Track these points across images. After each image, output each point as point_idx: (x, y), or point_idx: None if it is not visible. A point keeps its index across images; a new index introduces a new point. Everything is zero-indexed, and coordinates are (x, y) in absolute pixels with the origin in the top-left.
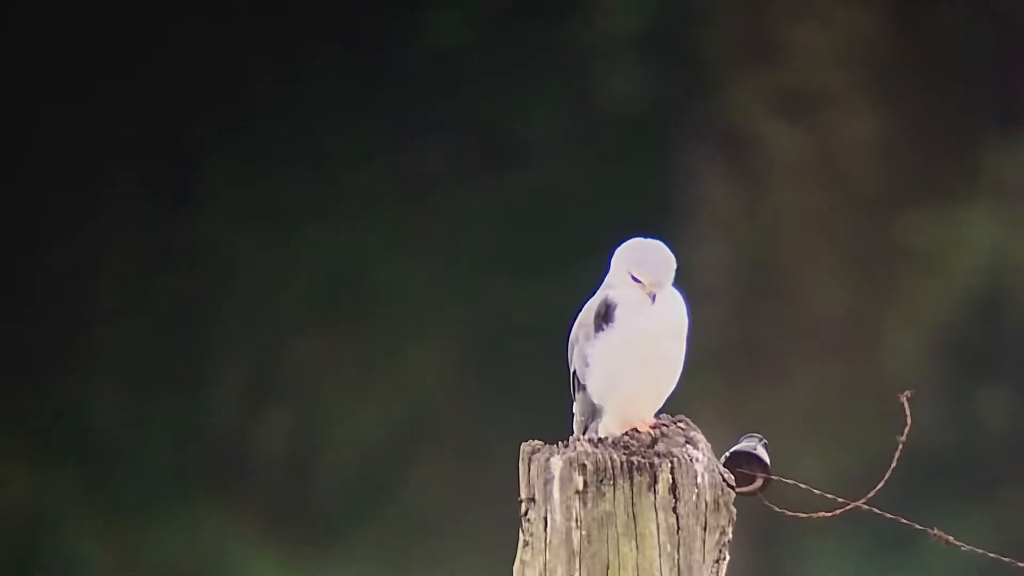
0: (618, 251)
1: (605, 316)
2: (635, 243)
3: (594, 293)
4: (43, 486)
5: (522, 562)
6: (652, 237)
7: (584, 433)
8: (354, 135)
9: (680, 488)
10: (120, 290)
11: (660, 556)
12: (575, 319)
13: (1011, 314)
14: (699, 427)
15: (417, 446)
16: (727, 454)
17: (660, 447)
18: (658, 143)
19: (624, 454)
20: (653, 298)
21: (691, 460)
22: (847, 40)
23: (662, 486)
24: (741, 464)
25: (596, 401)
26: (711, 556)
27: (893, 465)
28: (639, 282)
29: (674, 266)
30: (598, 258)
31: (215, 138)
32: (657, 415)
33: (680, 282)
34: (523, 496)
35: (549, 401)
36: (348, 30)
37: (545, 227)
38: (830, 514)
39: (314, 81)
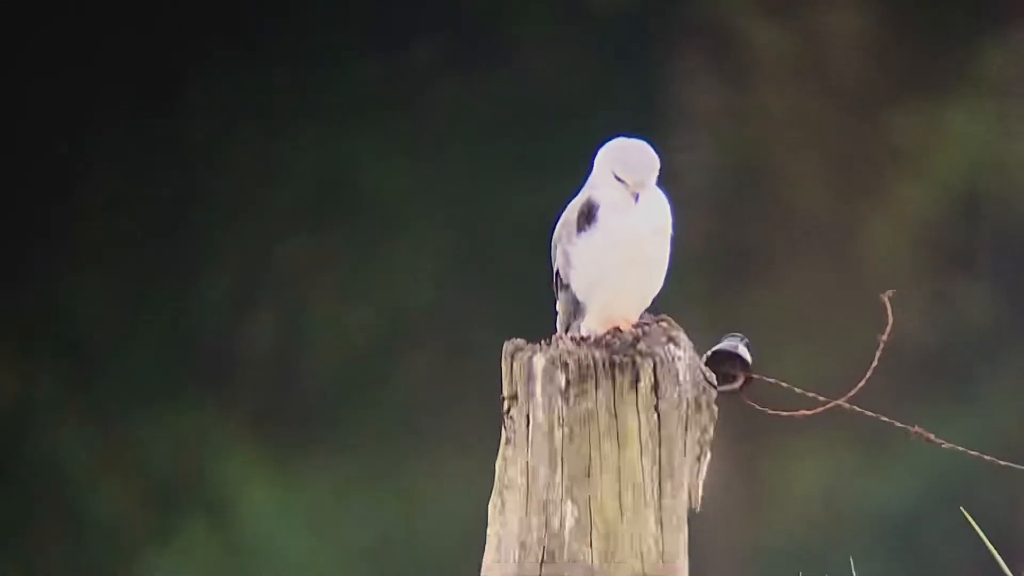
0: (601, 151)
1: (588, 216)
2: (618, 143)
3: (577, 192)
4: (27, 384)
5: (504, 459)
6: (637, 137)
7: (567, 332)
8: (345, 36)
9: (662, 387)
10: (107, 189)
11: (642, 454)
12: (558, 218)
13: (996, 212)
14: (682, 327)
15: (403, 346)
16: (709, 353)
17: (642, 346)
18: (644, 42)
19: (606, 353)
20: (636, 198)
21: (673, 359)
22: None
23: (644, 385)
24: (723, 363)
25: (580, 299)
26: (692, 454)
27: (874, 364)
28: (622, 182)
29: (658, 166)
30: (585, 158)
31: (200, 37)
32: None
33: (664, 183)
34: (505, 394)
35: (535, 300)
36: None
37: (533, 127)
38: (811, 412)
39: None
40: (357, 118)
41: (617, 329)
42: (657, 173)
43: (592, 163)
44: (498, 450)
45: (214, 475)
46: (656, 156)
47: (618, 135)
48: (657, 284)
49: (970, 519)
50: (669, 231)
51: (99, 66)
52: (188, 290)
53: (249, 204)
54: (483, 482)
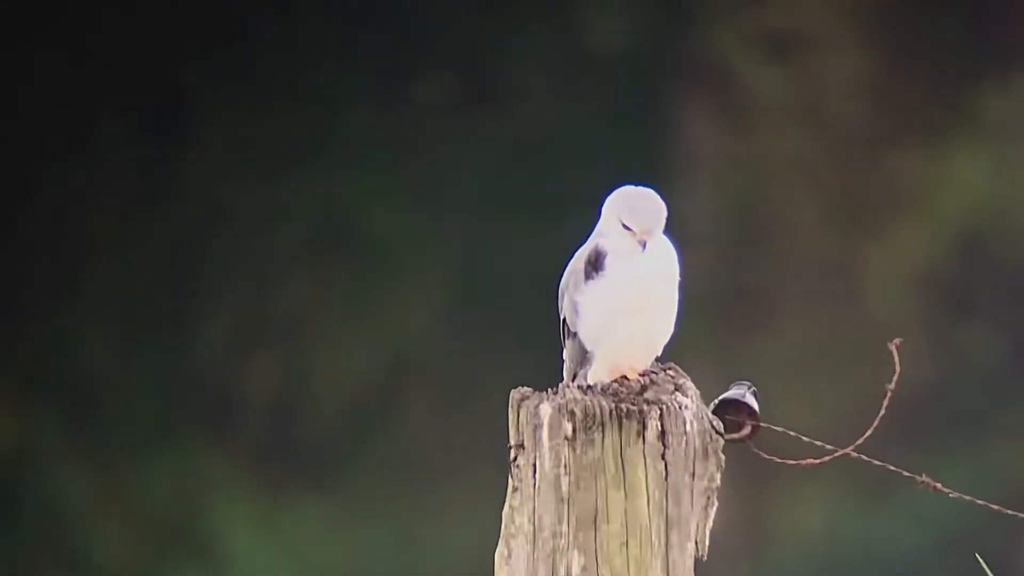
0: (609, 199)
1: (596, 264)
2: (626, 191)
3: (584, 241)
4: (29, 427)
5: (511, 508)
6: (642, 183)
7: (573, 380)
8: (344, 77)
9: (669, 435)
10: (109, 230)
11: (648, 503)
12: (565, 266)
13: (999, 254)
14: (688, 375)
15: (405, 391)
16: (716, 401)
17: (649, 394)
18: (647, 86)
19: (613, 401)
20: (644, 246)
21: (680, 407)
22: None
23: (651, 433)
24: (730, 411)
25: (588, 348)
26: (699, 503)
27: (881, 413)
28: (630, 230)
29: (665, 214)
30: (587, 202)
31: (206, 79)
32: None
33: (669, 229)
34: (512, 442)
35: (539, 347)
36: None
37: (534, 171)
38: (818, 461)
39: (304, 21)
40: (358, 162)
41: (624, 377)
42: (664, 221)
43: (599, 210)
44: (502, 496)
45: (213, 517)
46: (663, 204)
47: (624, 182)
48: (666, 332)
49: (985, 567)
50: (677, 278)
51: (98, 109)
52: (188, 333)
53: (249, 248)
54: (486, 528)
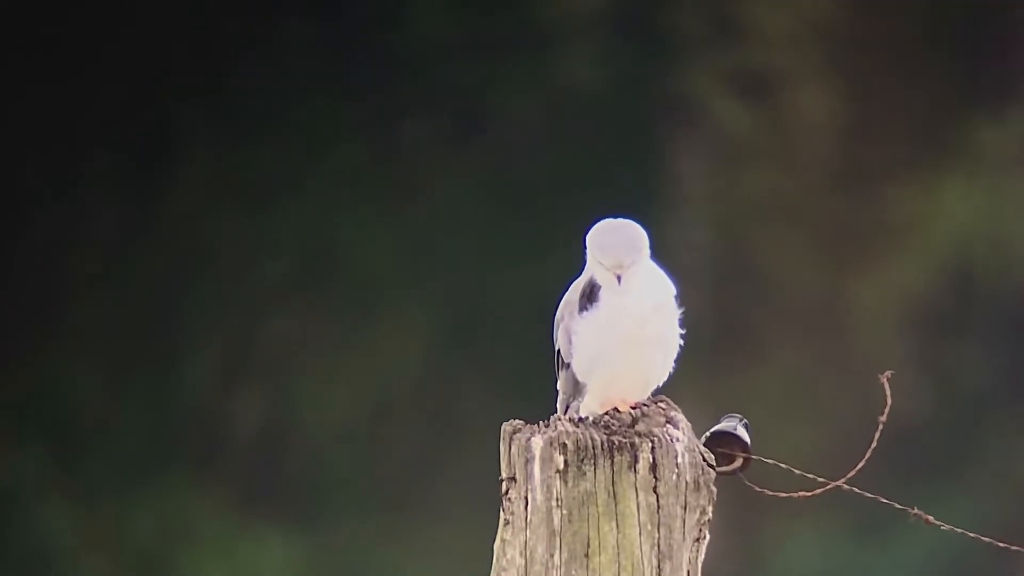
0: (588, 234)
1: (590, 296)
2: (599, 226)
3: (580, 273)
4: (16, 463)
5: (503, 541)
6: (626, 216)
7: (566, 412)
8: (330, 112)
9: (660, 468)
10: (95, 266)
11: (640, 535)
12: (561, 297)
13: (989, 287)
14: (679, 407)
15: (394, 424)
16: (707, 434)
17: (641, 427)
18: (632, 123)
19: (605, 434)
20: (619, 280)
21: (671, 440)
22: (816, 15)
23: (642, 466)
24: (721, 444)
25: (580, 379)
26: (691, 535)
27: (873, 446)
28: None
29: (638, 246)
30: (574, 237)
31: (191, 113)
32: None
33: (658, 263)
34: (504, 475)
35: (528, 382)
36: (326, 6)
37: (521, 207)
38: (810, 494)
39: (291, 57)
40: (345, 197)
41: (615, 410)
42: (637, 253)
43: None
44: (492, 531)
45: (198, 555)
46: (635, 235)
47: (608, 215)
48: (661, 365)
49: None
50: (675, 311)
51: (84, 145)
52: (175, 368)
53: (236, 284)
54: (477, 564)
